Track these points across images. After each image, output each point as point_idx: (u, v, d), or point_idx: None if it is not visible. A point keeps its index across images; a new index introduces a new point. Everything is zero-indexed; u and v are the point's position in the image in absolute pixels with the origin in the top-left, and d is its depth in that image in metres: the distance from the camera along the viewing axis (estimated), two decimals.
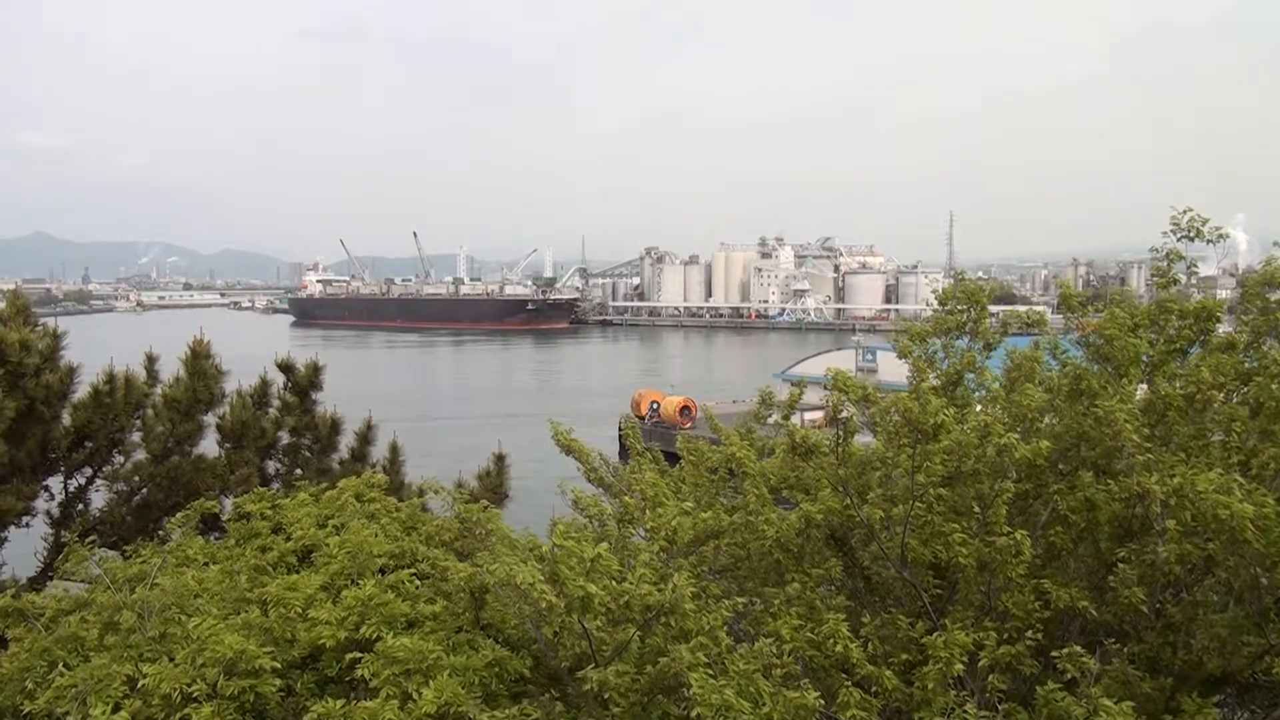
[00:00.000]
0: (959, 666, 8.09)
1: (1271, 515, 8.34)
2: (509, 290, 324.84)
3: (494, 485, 16.30)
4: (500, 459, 16.80)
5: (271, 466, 16.08)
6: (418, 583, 8.42)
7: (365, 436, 16.80)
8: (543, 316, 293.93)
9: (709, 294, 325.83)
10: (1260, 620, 8.66)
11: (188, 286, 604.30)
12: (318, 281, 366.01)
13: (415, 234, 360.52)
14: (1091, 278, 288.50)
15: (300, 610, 7.88)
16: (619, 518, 10.49)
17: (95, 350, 16.68)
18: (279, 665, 7.15)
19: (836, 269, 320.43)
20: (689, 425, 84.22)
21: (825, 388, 10.98)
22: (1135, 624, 9.21)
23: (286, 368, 16.56)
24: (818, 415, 10.80)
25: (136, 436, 15.05)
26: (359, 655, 7.16)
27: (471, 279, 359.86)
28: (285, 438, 16.20)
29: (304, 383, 16.48)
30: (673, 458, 14.90)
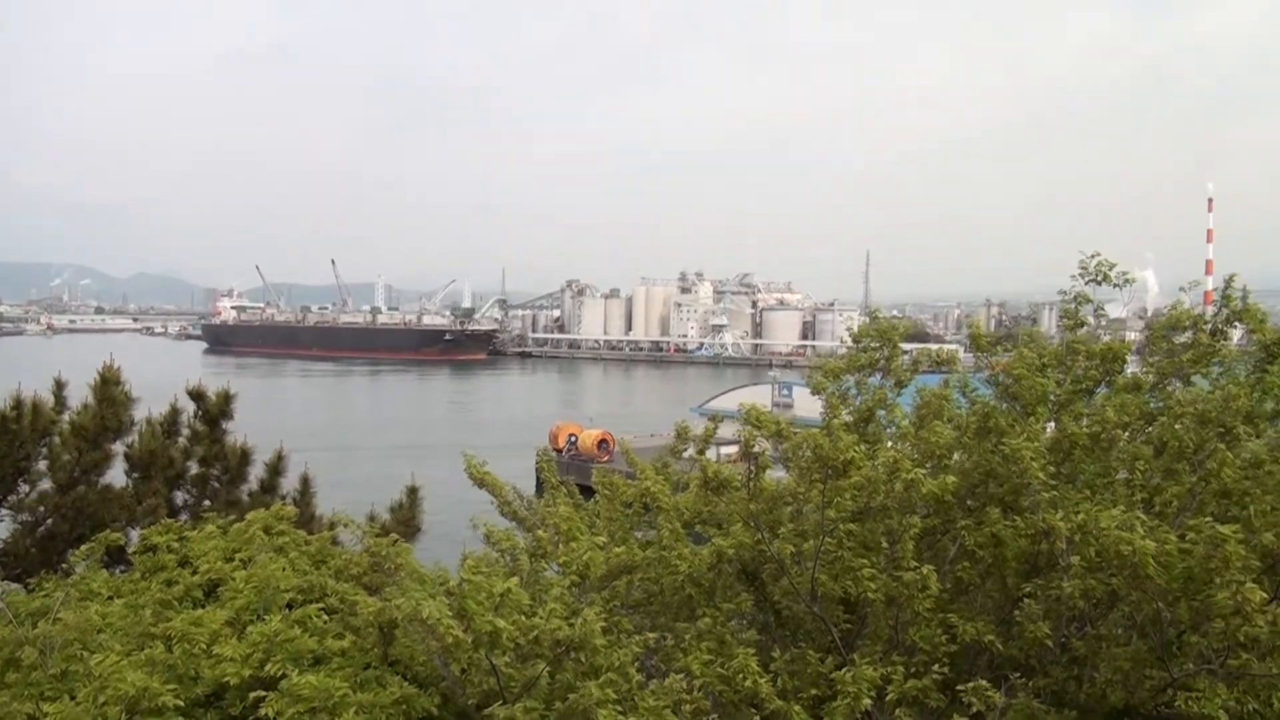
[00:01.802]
0: (866, 701, 8.15)
1: (1173, 551, 8.51)
2: (427, 320, 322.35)
3: (406, 518, 16.16)
4: (413, 491, 16.67)
5: (180, 497, 15.80)
6: (325, 618, 8.32)
7: (276, 467, 16.58)
8: (460, 347, 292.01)
9: (629, 327, 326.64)
10: (1162, 653, 8.83)
11: (100, 310, 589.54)
12: (232, 308, 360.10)
13: (333, 261, 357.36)
14: (1004, 318, 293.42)
15: (205, 646, 7.75)
16: (531, 552, 10.46)
17: (3, 374, 16.32)
18: (182, 703, 7.01)
19: (755, 305, 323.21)
20: (607, 459, 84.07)
21: (740, 422, 11.05)
22: (1041, 658, 9.33)
23: (197, 395, 16.31)
24: (734, 449, 10.92)
25: (42, 465, 14.73)
26: (264, 693, 7.04)
27: (389, 308, 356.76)
28: (194, 468, 15.95)
29: (215, 411, 16.23)
30: (590, 491, 14.88)
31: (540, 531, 11.39)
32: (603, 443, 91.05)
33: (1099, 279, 13.29)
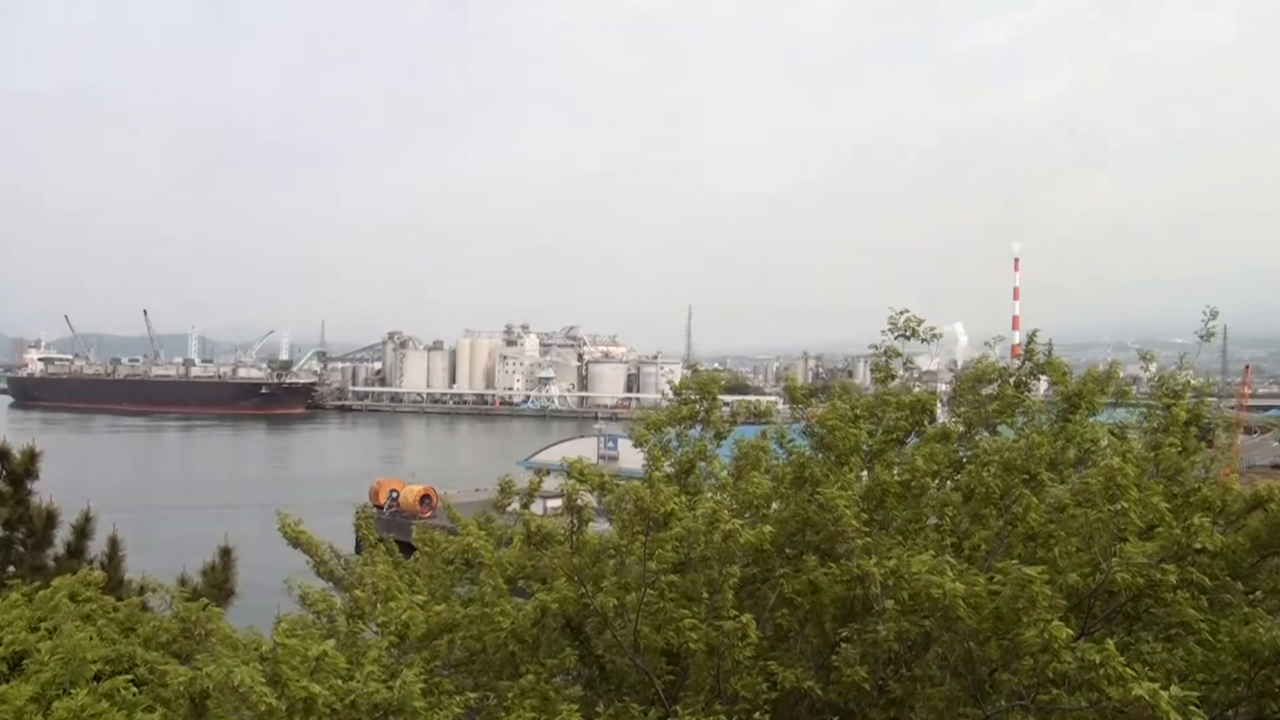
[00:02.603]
0: None
1: (982, 593, 8.79)
2: (242, 373, 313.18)
3: (219, 581, 15.66)
4: (226, 552, 16.19)
5: None
6: (135, 690, 7.99)
7: (83, 529, 15.92)
8: (277, 401, 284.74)
9: (453, 380, 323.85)
10: (976, 692, 9.09)
11: None
12: (39, 359, 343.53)
13: (145, 311, 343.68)
14: (821, 370, 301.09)
15: None
16: (348, 612, 10.24)
17: None
18: None
19: (580, 358, 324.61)
20: (429, 514, 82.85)
21: (564, 475, 11.06)
22: (859, 701, 9.51)
23: (1, 454, 15.57)
24: (559, 503, 10.93)
25: None
26: None
27: (204, 360, 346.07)
28: None
29: (19, 471, 15.53)
30: (412, 548, 14.65)
31: (358, 591, 11.16)
32: (425, 498, 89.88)
33: (908, 334, 13.76)
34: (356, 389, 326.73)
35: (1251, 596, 10.86)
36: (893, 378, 14.13)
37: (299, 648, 6.99)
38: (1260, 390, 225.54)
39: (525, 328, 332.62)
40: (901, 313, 13.78)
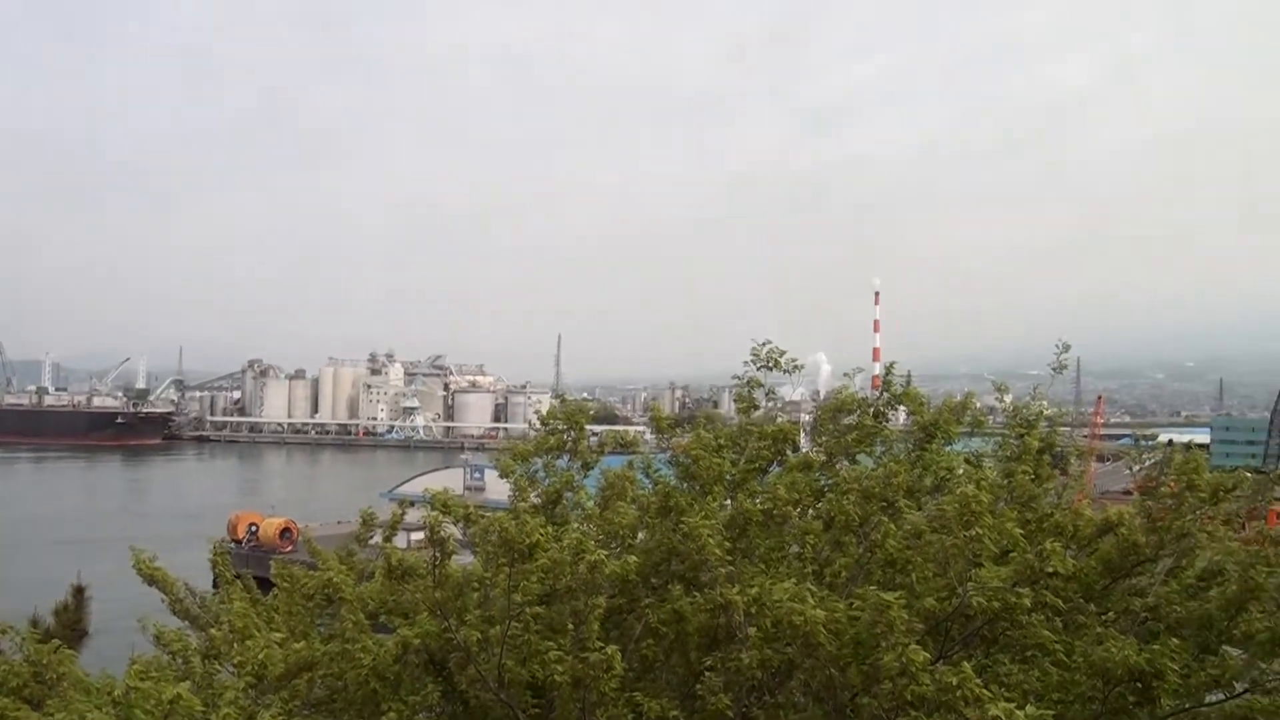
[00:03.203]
0: None
1: (843, 619, 8.92)
2: (97, 402, 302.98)
3: (72, 621, 15.16)
4: (79, 591, 15.67)
5: None
6: None
7: None
8: (134, 431, 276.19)
9: (315, 410, 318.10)
10: (837, 717, 9.22)
11: None
12: None
13: None
14: (687, 400, 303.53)
15: None
16: (204, 653, 9.96)
17: None
18: None
19: (447, 387, 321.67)
20: (290, 548, 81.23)
21: (428, 507, 10.94)
22: None
23: None
24: (423, 535, 10.82)
25: None
26: None
27: (57, 389, 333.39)
28: None
29: None
30: (271, 584, 14.33)
31: (214, 630, 10.87)
32: (285, 532, 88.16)
33: (770, 365, 13.96)
34: (215, 419, 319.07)
35: (1105, 617, 11.22)
36: (756, 408, 14.31)
37: (153, 691, 6.78)
38: (1113, 419, 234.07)
39: (390, 356, 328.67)
40: (764, 344, 13.99)
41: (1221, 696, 10.04)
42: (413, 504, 15.42)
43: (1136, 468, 16.81)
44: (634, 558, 10.16)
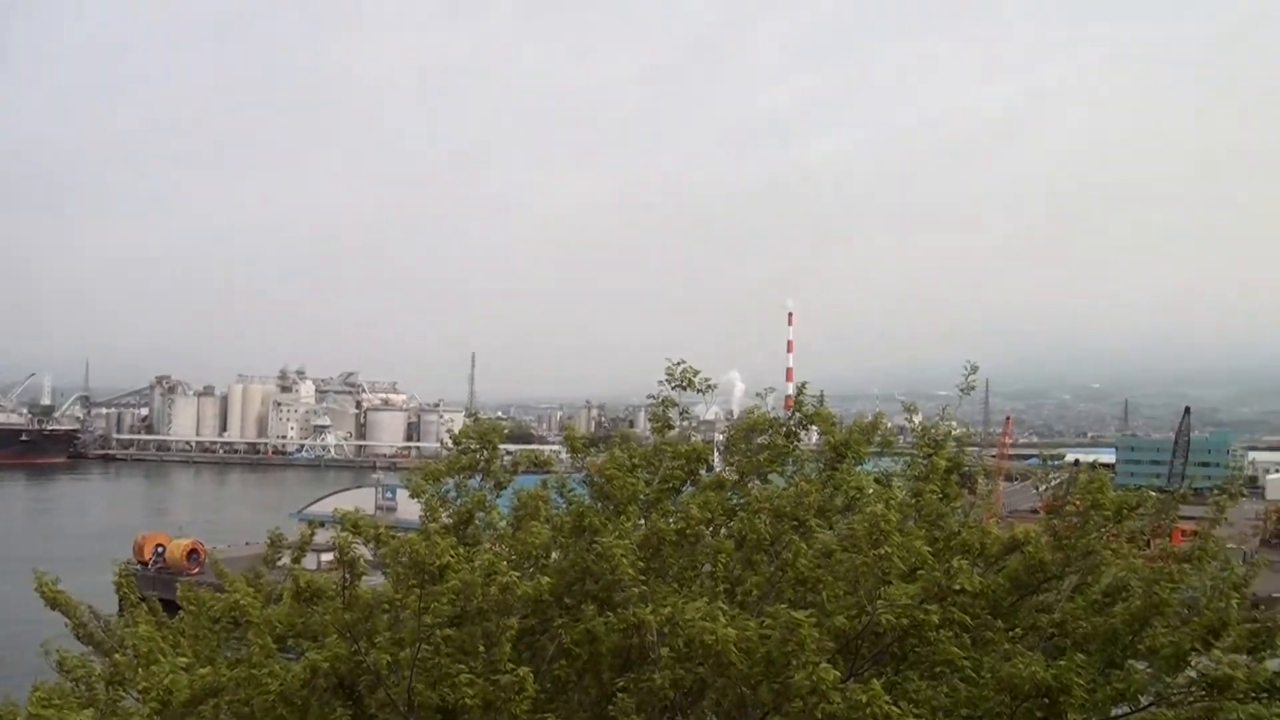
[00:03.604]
0: None
1: (754, 638, 8.97)
2: (1, 418, 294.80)
3: None
4: None
5: None
6: None
7: None
8: (38, 449, 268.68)
9: (224, 428, 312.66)
10: None
11: None
12: None
13: None
14: (603, 419, 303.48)
15: None
16: (108, 678, 9.75)
17: None
18: None
19: (359, 405, 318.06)
20: (197, 570, 79.75)
21: (337, 527, 10.83)
22: None
23: None
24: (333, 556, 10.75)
25: None
26: None
27: None
28: None
29: None
30: (178, 607, 14.06)
31: (118, 655, 10.63)
32: (193, 553, 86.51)
33: (684, 384, 14.04)
34: (121, 437, 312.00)
35: (1012, 633, 11.41)
36: (670, 427, 14.37)
37: (55, 718, 6.63)
38: (1021, 440, 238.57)
39: (301, 373, 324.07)
40: (678, 364, 14.08)
41: (1127, 710, 10.26)
42: (322, 524, 15.25)
43: (1043, 487, 17.13)
44: (547, 578, 10.15)
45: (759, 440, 14.26)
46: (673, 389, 14.18)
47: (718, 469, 14.17)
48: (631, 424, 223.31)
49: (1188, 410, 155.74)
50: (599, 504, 12.41)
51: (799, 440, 14.20)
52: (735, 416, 18.70)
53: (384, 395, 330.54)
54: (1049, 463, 18.25)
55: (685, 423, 14.72)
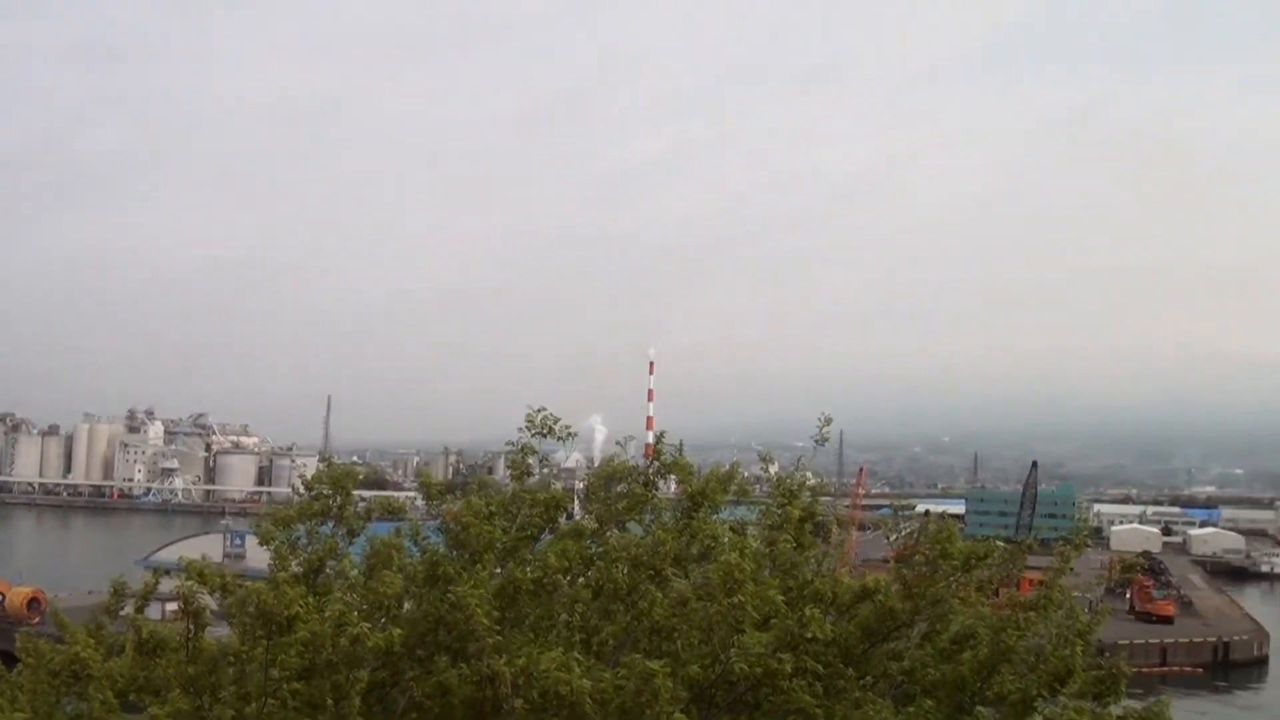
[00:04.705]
0: None
1: (609, 688, 8.98)
2: None
3: None
4: None
5: None
6: None
7: None
8: None
9: (69, 469, 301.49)
10: None
11: None
12: None
13: None
14: (462, 466, 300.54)
15: None
16: None
17: None
18: None
19: (209, 448, 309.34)
20: (37, 620, 76.51)
21: (182, 576, 10.54)
22: None
23: None
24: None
25: None
26: None
27: None
28: None
29: None
30: (15, 659, 13.46)
31: None
32: (34, 602, 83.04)
33: (544, 431, 14.02)
34: None
35: (863, 681, 11.59)
36: (530, 474, 14.32)
37: None
38: (873, 490, 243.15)
39: (150, 413, 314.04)
40: (539, 411, 14.04)
41: None
42: (167, 572, 14.77)
43: (894, 536, 17.47)
44: (398, 629, 9.99)
45: (618, 488, 14.29)
46: (533, 436, 14.14)
47: (577, 516, 14.15)
48: (491, 470, 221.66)
49: (1035, 464, 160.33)
50: (454, 552, 12.30)
51: (657, 489, 14.27)
52: (596, 463, 18.72)
53: (235, 438, 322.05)
54: (900, 513, 18.58)
55: (545, 470, 14.70)
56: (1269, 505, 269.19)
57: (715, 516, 13.99)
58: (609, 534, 13.51)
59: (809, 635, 9.87)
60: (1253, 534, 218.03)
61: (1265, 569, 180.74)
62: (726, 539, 13.32)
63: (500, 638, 9.96)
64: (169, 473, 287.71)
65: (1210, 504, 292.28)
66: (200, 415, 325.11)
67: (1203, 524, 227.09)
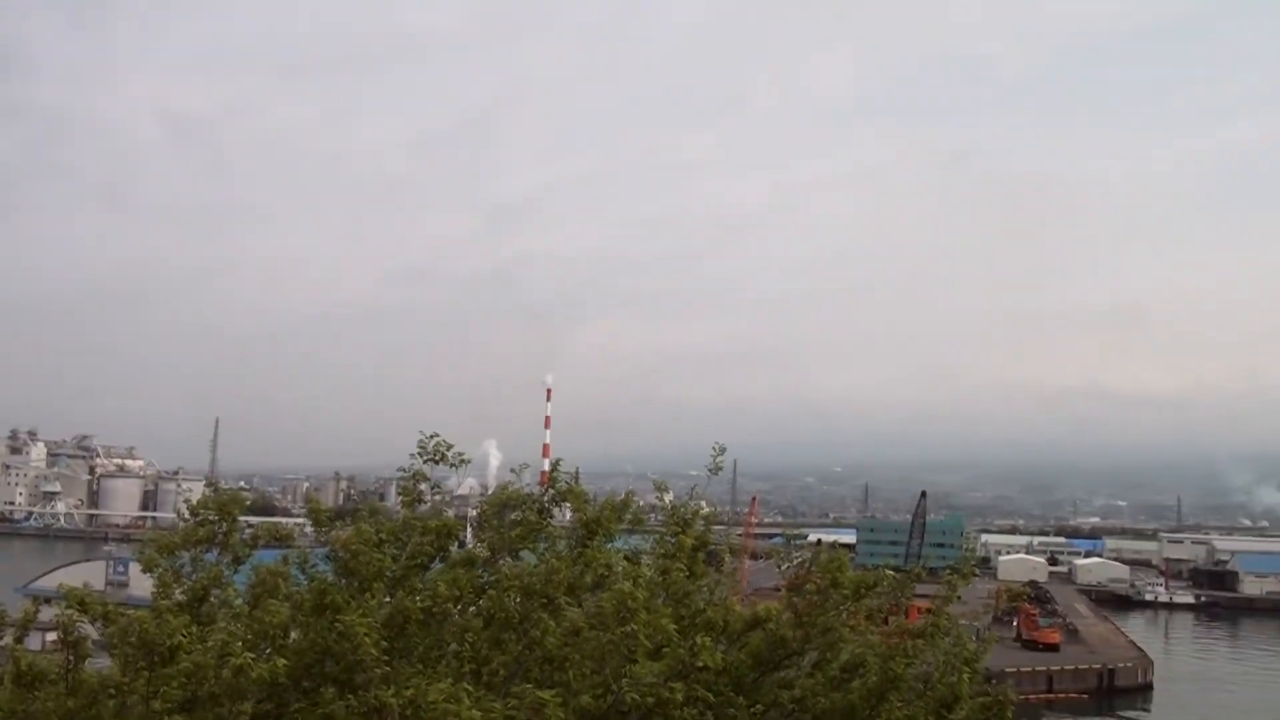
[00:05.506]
0: None
1: (498, 719, 8.90)
2: None
3: None
4: None
5: None
6: None
7: None
8: None
9: None
10: None
11: None
12: None
13: None
14: (353, 492, 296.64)
15: None
16: None
17: None
18: None
19: (92, 470, 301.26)
20: None
21: (63, 605, 10.26)
22: None
23: None
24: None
25: None
26: None
27: None
28: None
29: None
30: None
31: None
32: None
33: (437, 458, 13.91)
34: None
35: (754, 710, 11.65)
36: (421, 501, 14.19)
37: None
38: (766, 519, 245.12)
39: (33, 434, 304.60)
40: (431, 437, 13.94)
41: None
42: (48, 600, 14.38)
43: (786, 565, 17.64)
44: (284, 659, 9.81)
45: (512, 516, 14.21)
46: (425, 462, 14.02)
47: (470, 544, 14.05)
48: (382, 497, 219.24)
49: (924, 494, 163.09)
50: (343, 581, 12.13)
51: (552, 517, 14.22)
52: (491, 490, 18.59)
53: (120, 461, 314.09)
54: (792, 542, 18.82)
55: (437, 496, 14.57)
56: (1152, 536, 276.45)
57: (610, 545, 13.99)
58: (502, 562, 13.43)
59: (700, 664, 9.92)
60: (1137, 564, 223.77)
61: (1149, 598, 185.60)
62: (620, 568, 13.33)
63: (388, 668, 9.83)
64: (51, 496, 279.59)
65: (1095, 535, 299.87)
66: (85, 437, 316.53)
67: (1088, 554, 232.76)
